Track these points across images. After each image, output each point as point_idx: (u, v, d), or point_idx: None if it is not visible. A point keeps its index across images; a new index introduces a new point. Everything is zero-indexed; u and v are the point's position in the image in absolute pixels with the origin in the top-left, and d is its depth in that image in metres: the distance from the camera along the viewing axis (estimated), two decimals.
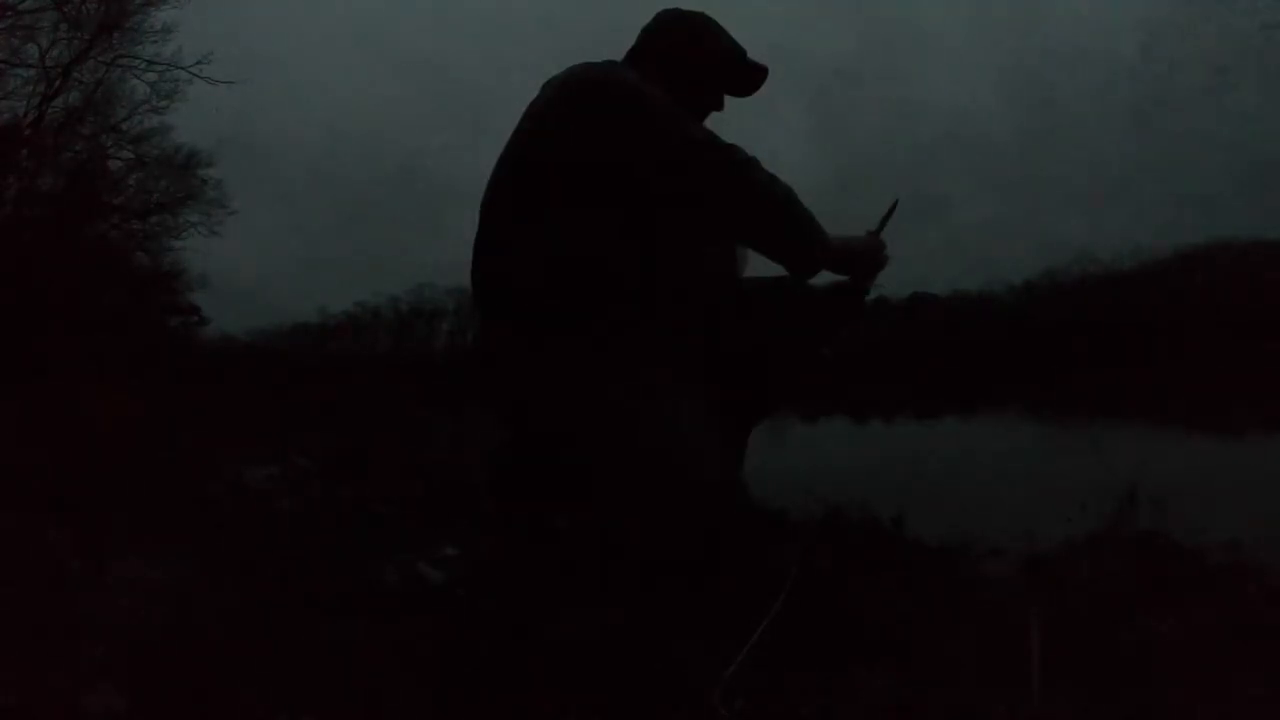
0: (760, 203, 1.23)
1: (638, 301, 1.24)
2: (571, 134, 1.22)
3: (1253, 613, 1.29)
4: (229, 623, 1.25)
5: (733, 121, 1.48)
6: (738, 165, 1.22)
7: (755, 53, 1.45)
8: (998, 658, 1.11)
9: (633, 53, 1.42)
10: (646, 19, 1.45)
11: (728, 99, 1.46)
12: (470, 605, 1.37)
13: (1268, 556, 1.58)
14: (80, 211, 11.66)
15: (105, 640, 1.18)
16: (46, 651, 1.14)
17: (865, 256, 1.36)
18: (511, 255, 1.26)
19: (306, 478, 2.99)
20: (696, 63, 1.40)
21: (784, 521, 2.01)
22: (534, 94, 1.31)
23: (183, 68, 12.08)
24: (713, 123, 1.44)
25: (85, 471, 2.67)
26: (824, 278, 1.38)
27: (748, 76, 1.45)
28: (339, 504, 2.36)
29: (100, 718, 0.99)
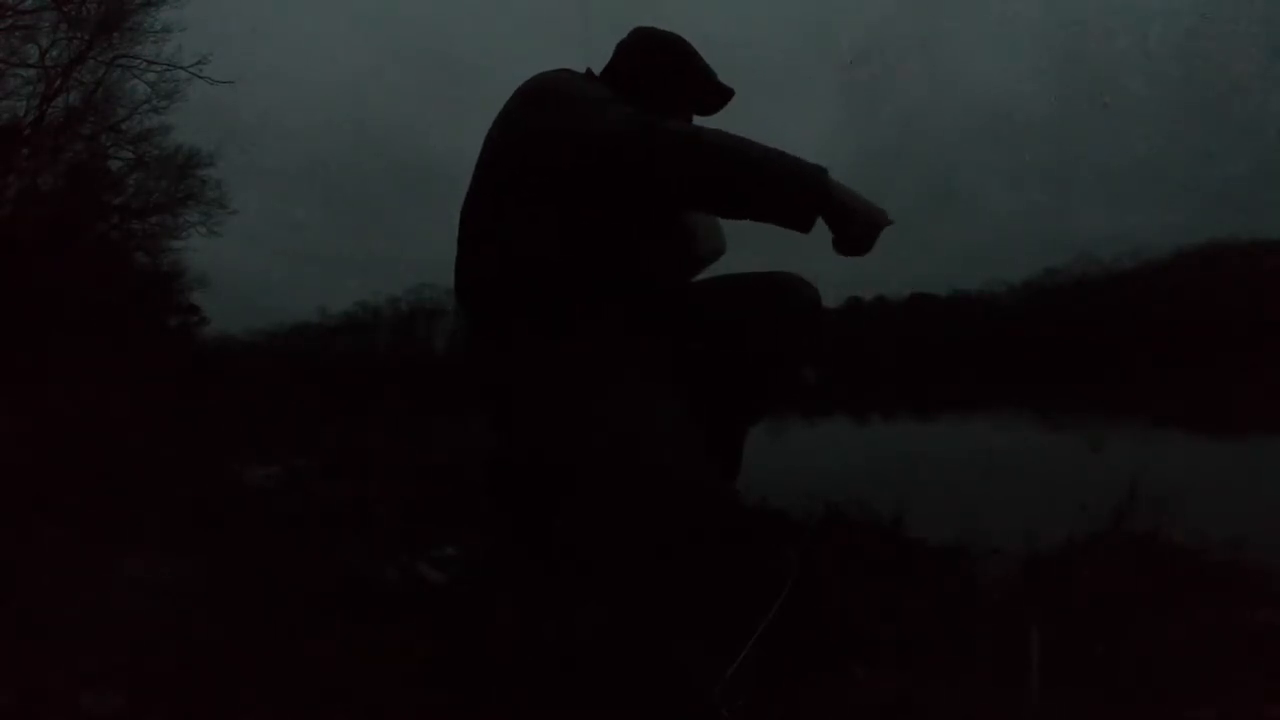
0: (707, 160, 1.14)
1: (593, 297, 1.25)
2: (517, 135, 1.27)
3: (1253, 613, 1.29)
4: (229, 623, 1.25)
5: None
6: (683, 135, 1.15)
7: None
8: (998, 658, 1.11)
9: (608, 68, 1.45)
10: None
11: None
12: (470, 605, 1.37)
13: (1268, 556, 1.58)
14: (80, 211, 11.65)
15: (105, 640, 1.18)
16: (46, 651, 1.14)
17: (865, 214, 1.19)
18: (478, 254, 1.30)
19: (306, 478, 2.98)
20: (668, 82, 1.43)
21: (784, 521, 2.01)
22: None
23: (183, 68, 12.05)
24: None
25: (85, 471, 2.67)
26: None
27: (715, 98, 1.47)
28: (339, 504, 2.36)
29: (100, 718, 0.99)
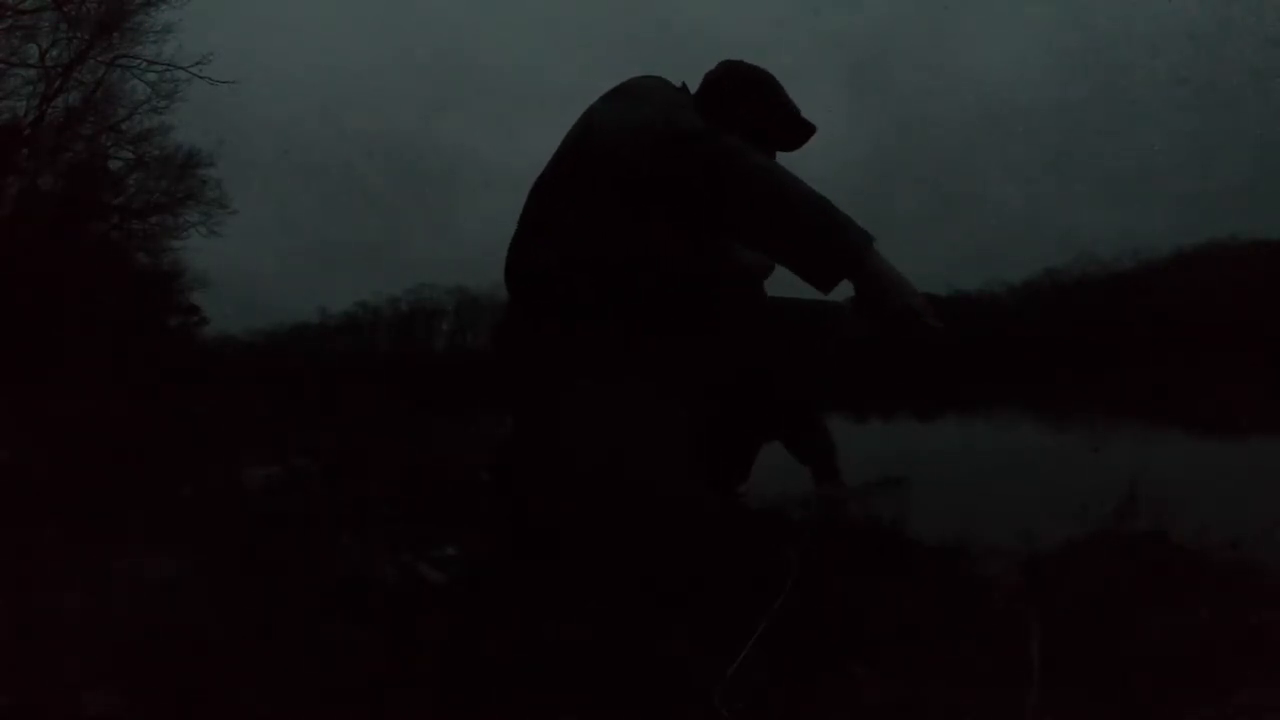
0: (754, 192, 1.11)
1: (643, 297, 1.25)
2: (590, 125, 1.28)
3: (1253, 613, 1.29)
4: (229, 623, 1.25)
5: None
6: (729, 151, 1.14)
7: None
8: (998, 658, 1.11)
9: (695, 98, 1.45)
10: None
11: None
12: (470, 605, 1.37)
13: (1268, 556, 1.58)
14: (80, 211, 11.66)
15: (105, 640, 1.18)
16: (46, 651, 1.14)
17: (901, 298, 1.11)
18: (536, 241, 1.32)
19: (306, 478, 2.98)
20: (753, 115, 1.43)
21: (784, 521, 2.01)
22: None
23: (183, 68, 12.11)
24: None
25: (85, 471, 2.67)
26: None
27: (797, 134, 1.47)
28: (339, 504, 2.35)
29: (100, 718, 0.99)
